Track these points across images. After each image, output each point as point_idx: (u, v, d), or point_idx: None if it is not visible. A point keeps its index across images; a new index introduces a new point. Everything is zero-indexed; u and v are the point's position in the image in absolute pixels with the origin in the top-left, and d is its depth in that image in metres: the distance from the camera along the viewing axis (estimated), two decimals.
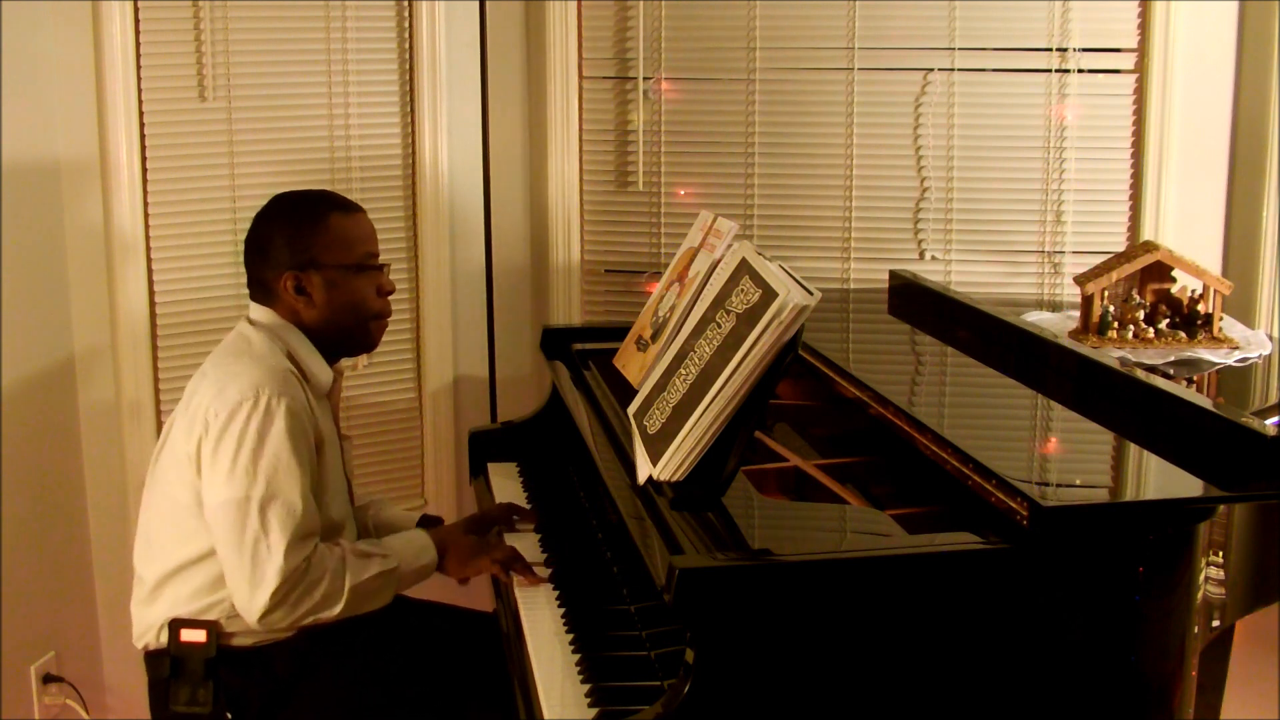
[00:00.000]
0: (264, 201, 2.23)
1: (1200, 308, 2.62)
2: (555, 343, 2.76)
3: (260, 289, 2.18)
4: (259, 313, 2.17)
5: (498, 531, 2.36)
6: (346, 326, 2.18)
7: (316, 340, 2.17)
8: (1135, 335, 2.59)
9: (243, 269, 2.22)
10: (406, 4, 3.08)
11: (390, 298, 2.25)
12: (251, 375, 2.01)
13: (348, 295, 2.16)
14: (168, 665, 2.05)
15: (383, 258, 3.07)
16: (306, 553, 1.98)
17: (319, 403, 2.13)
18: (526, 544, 2.28)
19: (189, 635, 2.03)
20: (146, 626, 2.09)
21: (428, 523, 2.44)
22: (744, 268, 1.84)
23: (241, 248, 2.22)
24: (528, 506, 2.49)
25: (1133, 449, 1.94)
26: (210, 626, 2.04)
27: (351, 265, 2.17)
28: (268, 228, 2.18)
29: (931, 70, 3.07)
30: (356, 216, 2.21)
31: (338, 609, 2.01)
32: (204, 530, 2.02)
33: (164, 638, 2.05)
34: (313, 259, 2.14)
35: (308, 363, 2.14)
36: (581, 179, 3.23)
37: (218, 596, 2.03)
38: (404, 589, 2.14)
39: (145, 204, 2.87)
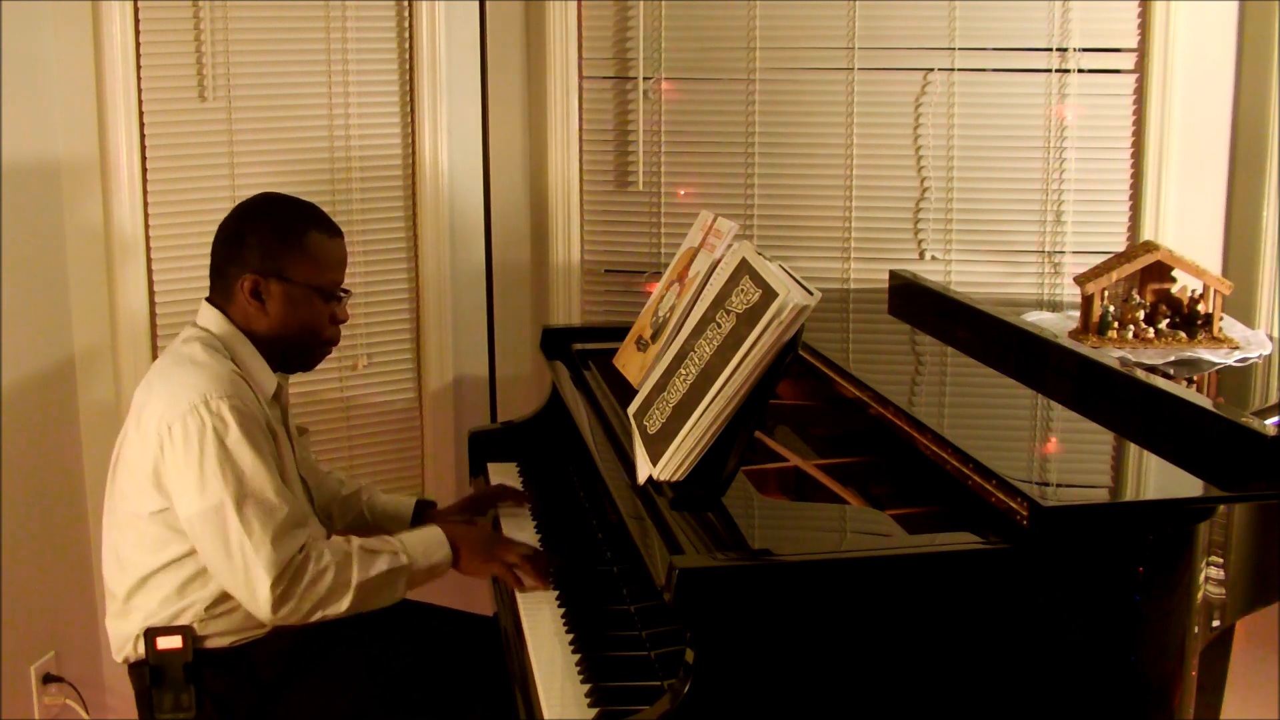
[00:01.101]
0: None
1: (1200, 308, 2.62)
2: (555, 343, 2.76)
3: (219, 282, 2.14)
4: (207, 318, 2.13)
5: (496, 519, 2.36)
6: (291, 344, 2.16)
7: (261, 347, 2.14)
8: (1135, 335, 2.59)
9: None
10: (406, 4, 3.08)
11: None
12: (198, 383, 1.99)
13: (303, 315, 2.14)
14: (148, 675, 2.05)
15: (382, 257, 3.12)
16: (299, 542, 1.98)
17: (269, 405, 2.12)
18: (526, 543, 2.28)
19: (165, 643, 2.03)
20: (123, 640, 2.09)
21: (423, 507, 2.45)
22: (744, 268, 1.84)
23: None
24: (522, 490, 2.52)
25: (1133, 449, 1.94)
26: (184, 631, 2.03)
27: (317, 287, 2.14)
28: (245, 224, 2.15)
29: (931, 70, 3.07)
30: (336, 240, 2.18)
31: (345, 603, 2.01)
32: (169, 538, 2.02)
33: (141, 648, 2.05)
34: (280, 269, 2.11)
35: (251, 369, 2.11)
36: (582, 179, 3.23)
37: (187, 601, 2.03)
38: (415, 586, 2.12)
39: (145, 204, 2.88)
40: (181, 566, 2.02)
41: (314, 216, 2.18)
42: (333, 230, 2.19)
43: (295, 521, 2.00)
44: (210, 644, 2.06)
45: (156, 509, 2.01)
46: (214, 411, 1.97)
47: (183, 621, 2.04)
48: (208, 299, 2.16)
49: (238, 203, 2.21)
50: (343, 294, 2.20)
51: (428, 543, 2.13)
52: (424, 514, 2.45)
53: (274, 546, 1.95)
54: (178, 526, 2.00)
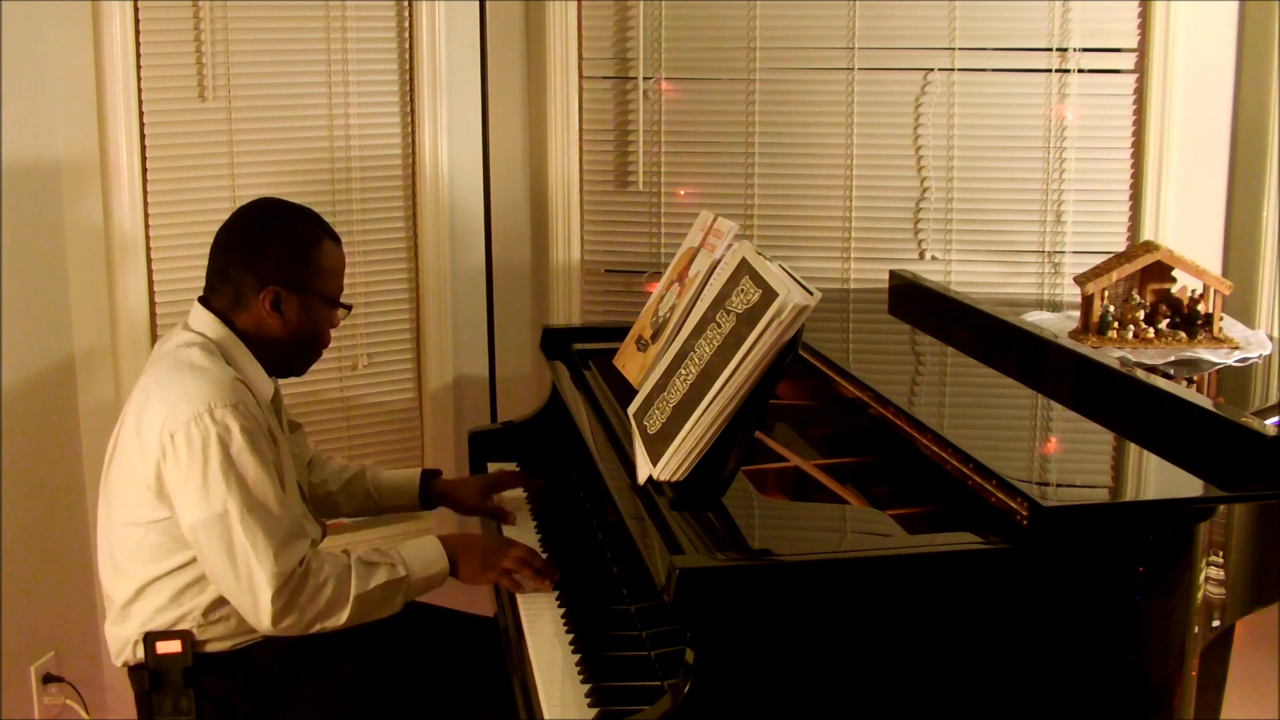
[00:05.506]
0: None
1: (1200, 308, 2.62)
2: (555, 343, 2.76)
3: (226, 288, 2.10)
4: (202, 321, 2.10)
5: (499, 528, 2.38)
6: (297, 351, 2.16)
7: (261, 353, 2.12)
8: (1135, 335, 2.60)
9: None
10: (406, 4, 3.08)
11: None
12: (201, 390, 1.97)
13: (315, 324, 2.15)
14: (148, 678, 2.04)
15: (382, 257, 3.12)
16: (299, 554, 1.98)
17: (266, 410, 2.11)
18: (526, 544, 2.27)
19: (165, 647, 2.03)
20: (122, 644, 2.08)
21: (428, 477, 2.48)
22: (744, 268, 1.84)
23: None
24: (524, 495, 2.53)
25: (1133, 449, 1.94)
26: (183, 636, 2.03)
27: (329, 297, 2.15)
28: (260, 233, 2.12)
29: (931, 70, 3.07)
30: (339, 249, 2.19)
31: (344, 616, 2.01)
32: (169, 546, 2.01)
33: (141, 652, 2.05)
34: (302, 282, 2.10)
35: (248, 374, 2.09)
36: (582, 179, 3.23)
37: (186, 607, 2.03)
38: (413, 597, 2.13)
39: (145, 204, 2.88)
40: (180, 574, 2.02)
41: (324, 225, 2.18)
42: (337, 238, 2.20)
43: (296, 532, 2.00)
44: (209, 648, 2.05)
45: (157, 518, 2.00)
46: (218, 420, 1.95)
47: (181, 626, 2.03)
48: (202, 300, 2.13)
49: (240, 206, 2.19)
50: (344, 307, 2.20)
51: (425, 554, 2.13)
52: (429, 483, 2.47)
53: (276, 558, 1.94)
54: (178, 535, 1.99)
